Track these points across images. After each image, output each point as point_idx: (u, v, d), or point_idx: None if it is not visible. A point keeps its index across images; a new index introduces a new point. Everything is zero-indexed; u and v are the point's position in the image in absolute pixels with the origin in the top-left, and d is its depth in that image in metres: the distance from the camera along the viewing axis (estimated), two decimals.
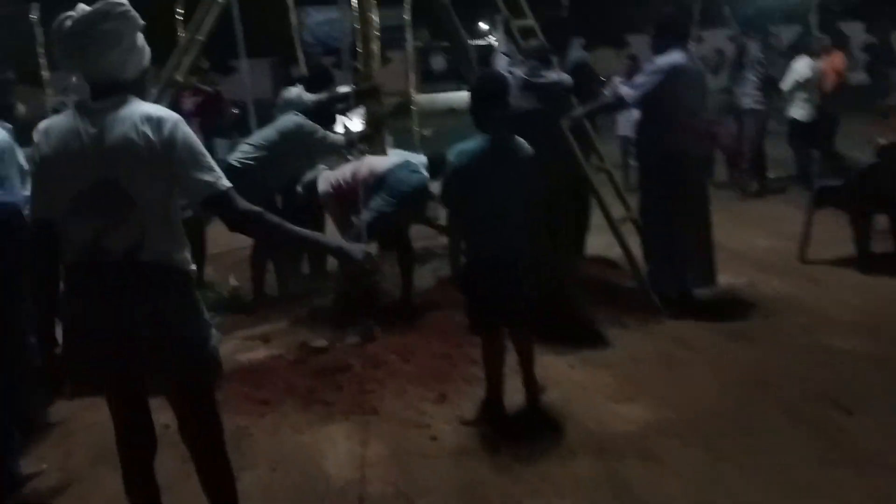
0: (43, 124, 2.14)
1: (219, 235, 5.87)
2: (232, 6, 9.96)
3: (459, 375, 3.84)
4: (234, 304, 5.31)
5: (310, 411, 3.59)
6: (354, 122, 7.25)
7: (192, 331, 2.19)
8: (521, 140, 3.31)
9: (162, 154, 2.06)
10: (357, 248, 2.41)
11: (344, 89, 5.94)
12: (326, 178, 4.72)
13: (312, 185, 4.81)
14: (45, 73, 9.43)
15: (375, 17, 5.25)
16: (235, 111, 13.70)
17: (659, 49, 4.41)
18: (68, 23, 2.10)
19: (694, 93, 4.41)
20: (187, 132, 2.11)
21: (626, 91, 4.51)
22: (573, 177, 4.46)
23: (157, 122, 2.06)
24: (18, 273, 2.94)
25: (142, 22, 2.17)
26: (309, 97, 5.46)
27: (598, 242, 5.78)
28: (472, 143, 3.26)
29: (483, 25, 32.88)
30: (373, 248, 2.46)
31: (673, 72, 4.29)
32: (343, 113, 6.23)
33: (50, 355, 2.18)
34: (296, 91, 5.59)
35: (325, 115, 5.26)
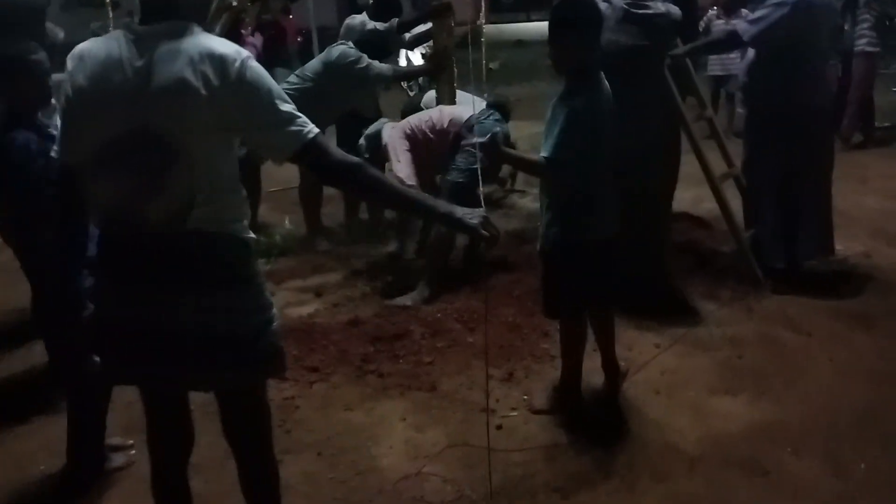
0: (79, 48, 1.69)
1: (275, 171, 5.52)
2: None
3: (529, 351, 3.40)
4: (288, 250, 4.98)
5: (363, 383, 3.23)
6: (416, 57, 6.78)
7: (251, 318, 1.77)
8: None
9: (224, 101, 1.61)
10: (472, 213, 1.87)
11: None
12: (395, 127, 4.26)
13: (376, 136, 4.34)
14: None
15: None
16: (299, 38, 13.36)
17: None
18: None
19: (824, 31, 3.71)
20: (259, 74, 1.66)
21: (741, 26, 3.83)
22: (671, 125, 3.86)
23: (220, 62, 1.61)
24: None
25: None
26: (373, 26, 4.98)
27: (685, 197, 5.18)
28: (584, 92, 2.60)
29: None
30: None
31: (802, 5, 3.59)
32: (409, 46, 5.78)
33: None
34: (360, 19, 5.12)
35: (378, 45, 4.79)
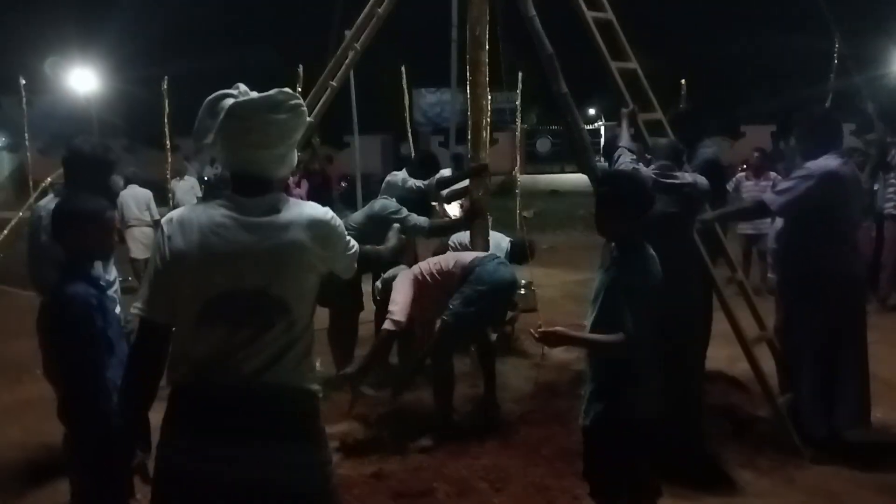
0: (176, 215, 1.88)
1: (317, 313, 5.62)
2: (350, 85, 10.33)
3: None
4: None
5: None
6: (453, 209, 7.10)
7: (317, 474, 1.87)
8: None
9: (323, 257, 1.91)
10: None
11: (446, 174, 5.84)
12: (406, 273, 4.44)
13: (390, 280, 4.52)
14: (168, 142, 9.85)
15: (487, 102, 5.06)
16: (344, 184, 14.03)
17: (810, 152, 3.86)
18: (228, 102, 1.82)
19: (852, 201, 3.82)
20: (343, 231, 1.99)
21: (769, 197, 3.97)
22: (703, 287, 3.91)
23: (320, 225, 1.90)
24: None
25: (309, 119, 1.95)
26: (413, 183, 5.26)
27: (719, 356, 5.13)
28: (636, 263, 2.56)
29: (592, 111, 32.95)
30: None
31: (828, 178, 3.72)
32: (447, 201, 6.06)
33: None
34: (401, 176, 5.43)
35: (417, 200, 5.07)
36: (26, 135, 10.98)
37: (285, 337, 1.80)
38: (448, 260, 4.39)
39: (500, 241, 5.46)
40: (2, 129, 24.21)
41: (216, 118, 1.82)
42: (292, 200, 1.92)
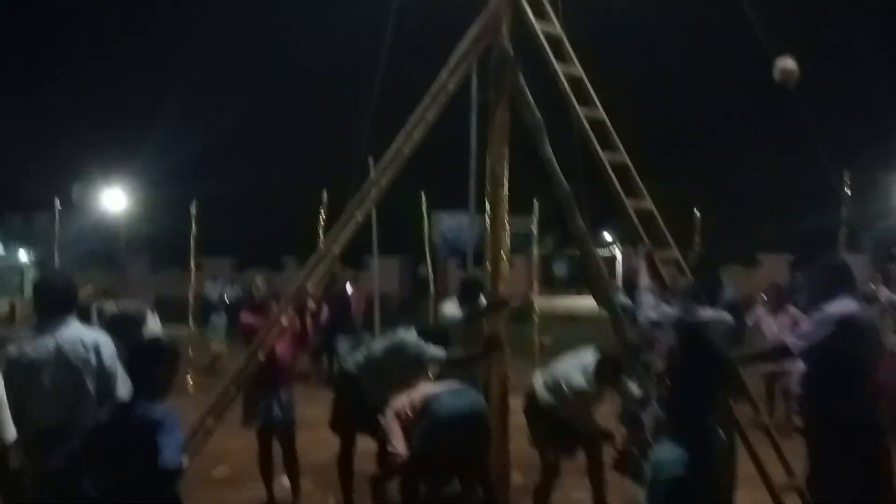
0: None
1: (327, 439, 5.43)
2: (371, 209, 10.57)
3: None
4: None
5: None
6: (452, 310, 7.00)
7: None
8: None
9: None
10: None
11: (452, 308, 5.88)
12: (391, 411, 4.67)
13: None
14: (193, 261, 10.10)
15: (506, 234, 5.17)
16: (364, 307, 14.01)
17: (825, 294, 3.87)
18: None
19: (869, 346, 3.80)
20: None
21: (790, 340, 3.96)
22: (726, 430, 3.83)
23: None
24: None
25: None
26: (458, 315, 5.41)
27: (746, 501, 4.93)
28: (673, 450, 2.18)
29: (607, 236, 33.29)
30: None
31: (845, 322, 3.71)
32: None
33: None
34: (451, 310, 5.59)
35: (441, 336, 5.09)
36: (55, 254, 11.26)
37: None
38: (418, 393, 4.57)
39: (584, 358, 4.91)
40: (33, 244, 24.98)
41: None
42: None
